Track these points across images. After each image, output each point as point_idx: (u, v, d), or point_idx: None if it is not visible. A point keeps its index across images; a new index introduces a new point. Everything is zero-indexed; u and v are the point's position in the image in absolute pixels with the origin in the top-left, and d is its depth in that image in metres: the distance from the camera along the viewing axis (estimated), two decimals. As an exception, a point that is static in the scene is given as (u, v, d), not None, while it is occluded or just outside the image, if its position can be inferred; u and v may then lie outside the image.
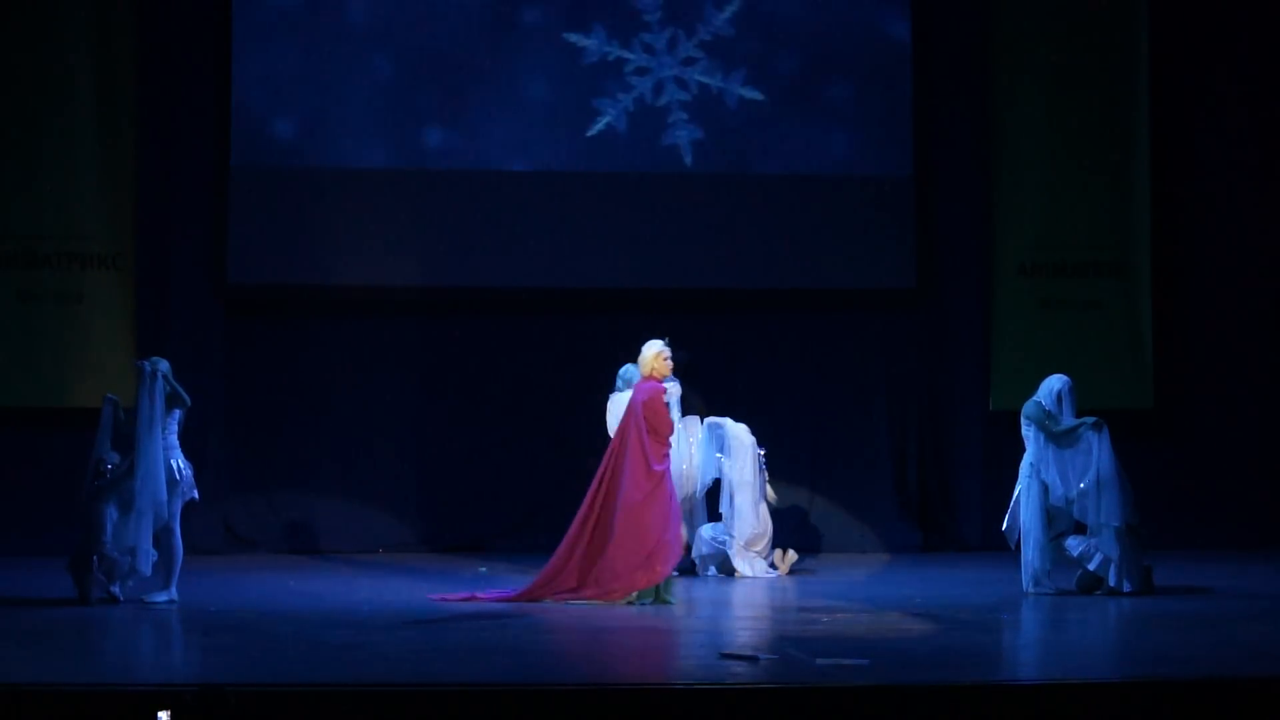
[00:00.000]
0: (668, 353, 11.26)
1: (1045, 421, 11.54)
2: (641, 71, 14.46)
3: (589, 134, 14.39)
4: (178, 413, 11.10)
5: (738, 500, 12.73)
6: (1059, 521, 11.56)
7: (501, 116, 14.37)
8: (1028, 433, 11.64)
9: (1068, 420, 11.56)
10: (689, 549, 12.68)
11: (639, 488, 10.93)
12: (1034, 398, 11.71)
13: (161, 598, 10.92)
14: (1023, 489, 11.62)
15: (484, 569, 13.16)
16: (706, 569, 12.81)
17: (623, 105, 14.41)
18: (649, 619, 10.45)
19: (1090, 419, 11.52)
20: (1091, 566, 11.41)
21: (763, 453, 12.84)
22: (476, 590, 11.36)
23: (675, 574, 11.23)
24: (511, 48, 14.38)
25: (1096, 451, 11.43)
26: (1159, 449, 14.46)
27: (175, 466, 11.04)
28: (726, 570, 12.74)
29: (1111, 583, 11.38)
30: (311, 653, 9.01)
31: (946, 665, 8.66)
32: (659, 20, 14.50)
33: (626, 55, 14.40)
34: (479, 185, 14.37)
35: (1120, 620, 10.60)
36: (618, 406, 12.71)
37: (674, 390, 12.69)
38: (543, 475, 14.40)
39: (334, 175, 14.28)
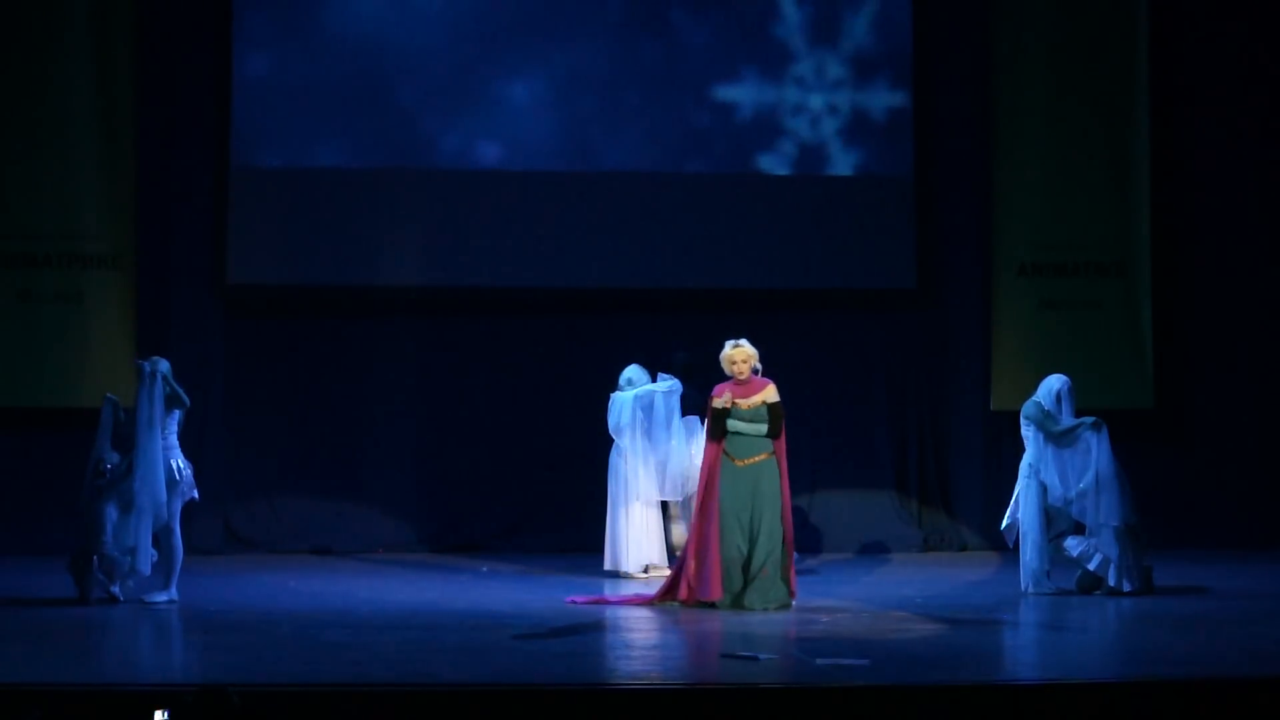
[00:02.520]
0: (736, 354, 10.93)
1: (1044, 421, 11.54)
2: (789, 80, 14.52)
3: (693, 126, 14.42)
4: (177, 413, 11.11)
5: (738, 500, 12.72)
6: (1058, 521, 11.56)
7: (504, 116, 14.36)
8: (1027, 433, 11.64)
9: (1067, 420, 11.56)
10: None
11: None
12: (1033, 398, 11.71)
13: (161, 598, 10.92)
14: (1022, 489, 11.62)
15: (484, 569, 13.17)
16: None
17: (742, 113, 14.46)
18: (649, 620, 10.45)
19: (1089, 419, 11.52)
20: (1091, 566, 11.41)
21: (763, 453, 12.82)
22: (608, 593, 11.40)
23: (757, 581, 10.80)
24: (547, 40, 14.39)
25: (1095, 452, 11.43)
26: (1159, 449, 14.45)
27: (175, 466, 11.05)
28: (726, 570, 12.74)
29: (1111, 583, 11.38)
30: (311, 653, 9.02)
31: (946, 665, 8.66)
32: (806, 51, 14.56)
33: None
34: (479, 185, 14.36)
35: (1120, 620, 10.60)
36: (618, 406, 12.72)
37: (675, 390, 12.69)
38: (543, 475, 14.40)
39: (334, 175, 14.28)
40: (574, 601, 11.10)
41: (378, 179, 14.31)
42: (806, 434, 14.53)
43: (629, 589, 11.74)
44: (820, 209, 14.53)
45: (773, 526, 10.82)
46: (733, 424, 10.87)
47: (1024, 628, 10.41)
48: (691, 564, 10.89)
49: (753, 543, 10.78)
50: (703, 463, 11.10)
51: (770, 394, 10.92)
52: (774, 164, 14.52)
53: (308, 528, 14.26)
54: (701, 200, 14.48)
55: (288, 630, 9.80)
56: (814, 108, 14.55)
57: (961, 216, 14.72)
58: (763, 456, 10.89)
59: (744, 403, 10.87)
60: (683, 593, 10.89)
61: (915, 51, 14.60)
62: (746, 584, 10.76)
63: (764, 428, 10.87)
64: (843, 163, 14.56)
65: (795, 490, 14.07)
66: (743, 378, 10.94)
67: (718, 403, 10.91)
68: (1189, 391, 14.81)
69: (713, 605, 10.75)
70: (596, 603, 11.12)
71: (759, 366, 11.00)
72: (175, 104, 14.20)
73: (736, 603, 10.73)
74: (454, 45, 14.34)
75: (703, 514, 10.91)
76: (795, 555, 12.91)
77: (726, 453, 10.90)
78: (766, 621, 10.30)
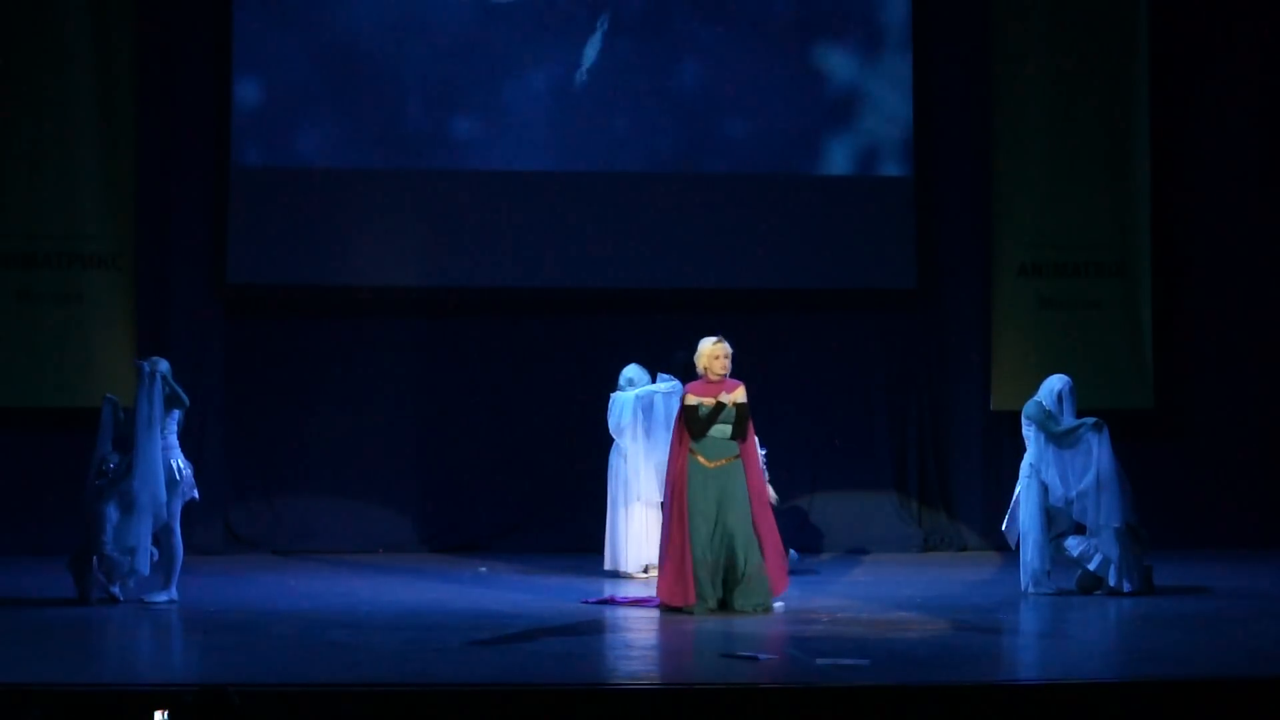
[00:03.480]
0: (719, 349, 10.76)
1: (1045, 422, 11.54)
2: None
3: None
4: (177, 413, 11.11)
5: (738, 500, 12.70)
6: (1059, 522, 11.56)
7: (503, 115, 14.36)
8: (1028, 433, 11.63)
9: (1068, 420, 11.56)
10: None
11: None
12: (1034, 398, 11.71)
13: (161, 598, 10.93)
14: (1022, 489, 11.62)
15: (484, 569, 13.17)
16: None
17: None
18: (649, 620, 10.44)
19: (1090, 419, 11.51)
20: (1091, 567, 11.42)
21: (763, 453, 12.78)
22: (615, 594, 11.33)
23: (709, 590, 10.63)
24: (529, 42, 14.38)
25: (1096, 452, 11.43)
26: (1159, 449, 14.45)
27: (175, 466, 11.05)
28: (726, 570, 12.72)
29: (1111, 583, 11.38)
30: (311, 653, 9.02)
31: (946, 665, 8.66)
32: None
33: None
34: (479, 185, 14.36)
35: (1120, 620, 10.60)
36: (619, 406, 12.72)
37: (675, 391, 12.68)
38: (542, 475, 14.41)
39: (334, 175, 14.27)
40: (587, 603, 11.06)
41: (377, 179, 14.30)
42: (806, 434, 14.55)
43: (630, 589, 11.73)
44: (820, 209, 14.53)
45: (746, 530, 10.64)
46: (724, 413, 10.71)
47: (1024, 628, 10.41)
48: (664, 569, 10.71)
49: (729, 547, 10.59)
50: (671, 464, 10.90)
51: (740, 395, 10.74)
52: (774, 164, 14.51)
53: (308, 528, 14.26)
54: (702, 200, 14.47)
55: (288, 630, 9.80)
56: (814, 109, 14.54)
57: (961, 216, 14.72)
58: (731, 459, 10.72)
59: (714, 402, 10.68)
60: (659, 597, 10.74)
61: (915, 51, 14.59)
62: (733, 586, 10.60)
63: (729, 429, 10.71)
64: (843, 163, 14.56)
65: (795, 491, 14.16)
66: (717, 377, 10.79)
67: (691, 400, 10.72)
68: (1189, 391, 14.81)
69: (685, 610, 10.52)
70: (609, 603, 11.06)
71: (730, 366, 10.87)
72: (175, 104, 14.19)
73: (723, 606, 10.56)
74: (454, 45, 14.34)
75: (673, 517, 10.72)
76: (793, 554, 12.95)
77: (694, 453, 10.71)
78: (766, 622, 10.29)
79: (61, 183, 13.85)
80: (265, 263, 14.23)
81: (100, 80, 13.91)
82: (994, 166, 14.60)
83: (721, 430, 10.74)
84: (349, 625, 9.96)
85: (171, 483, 10.98)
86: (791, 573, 12.70)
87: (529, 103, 14.37)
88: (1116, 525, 11.35)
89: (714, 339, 10.91)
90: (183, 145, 14.22)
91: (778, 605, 10.76)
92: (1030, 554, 11.49)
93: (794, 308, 14.69)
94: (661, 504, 12.66)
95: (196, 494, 11.31)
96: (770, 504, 12.72)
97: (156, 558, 10.95)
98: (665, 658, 9.30)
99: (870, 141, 14.56)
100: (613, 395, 12.79)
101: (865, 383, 14.78)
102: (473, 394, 14.50)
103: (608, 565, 12.65)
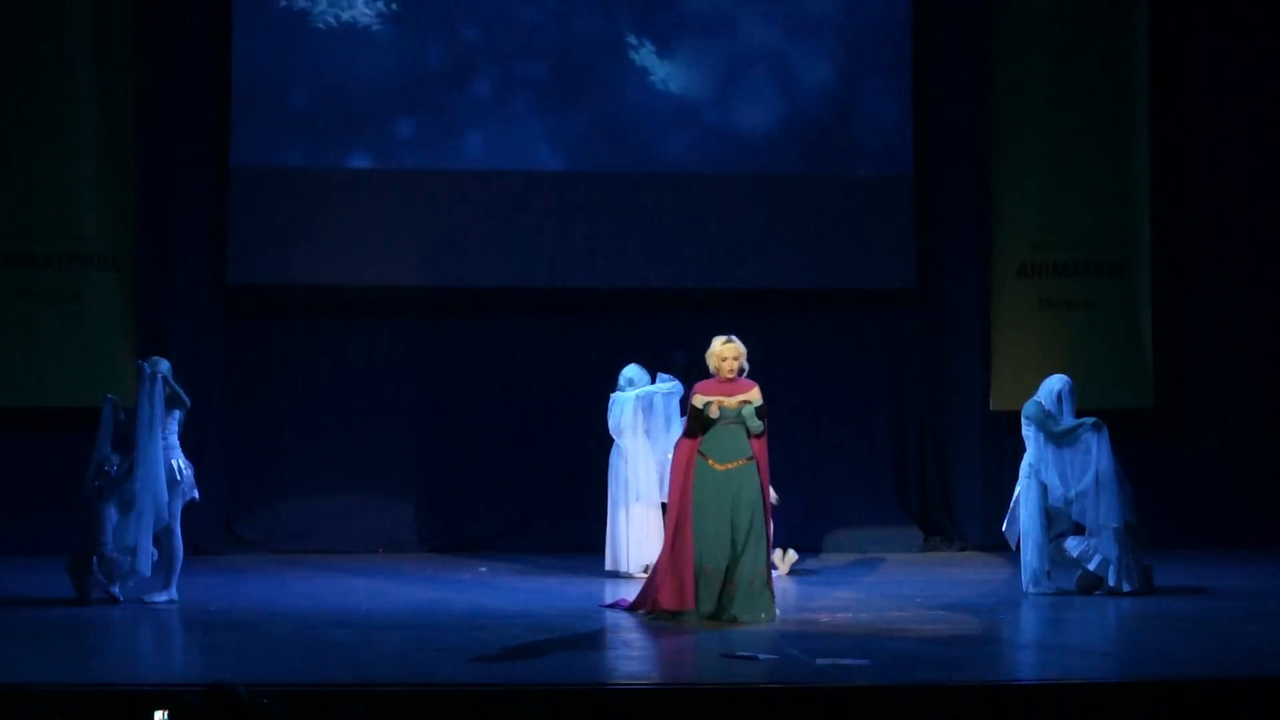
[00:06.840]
0: (727, 350, 10.42)
1: (1045, 422, 11.54)
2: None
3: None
4: (177, 413, 11.11)
5: (738, 500, 12.69)
6: (1059, 522, 11.56)
7: (502, 116, 14.36)
8: (1028, 433, 11.64)
9: (1067, 420, 11.56)
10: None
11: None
12: (1034, 398, 11.72)
13: (161, 598, 10.93)
14: (1022, 489, 11.62)
15: (484, 569, 13.17)
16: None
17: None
18: (649, 620, 10.43)
19: (1090, 419, 11.52)
20: (1091, 567, 11.42)
21: (763, 453, 12.76)
22: (626, 598, 11.07)
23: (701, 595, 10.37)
24: (520, 42, 14.38)
25: (1096, 452, 11.43)
26: (1159, 449, 14.45)
27: (175, 466, 11.05)
28: (726, 570, 12.71)
29: (1111, 583, 11.39)
30: (311, 653, 9.02)
31: (946, 665, 8.66)
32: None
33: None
34: (478, 185, 14.36)
35: (1120, 620, 10.60)
36: (619, 406, 12.72)
37: (675, 391, 12.68)
38: (542, 475, 14.41)
39: (334, 175, 14.28)
40: (604, 606, 11.02)
41: (377, 179, 14.30)
42: (806, 434, 14.56)
43: (632, 589, 11.71)
44: (820, 209, 14.53)
45: (759, 537, 10.32)
46: (731, 413, 10.33)
47: (1024, 628, 10.41)
48: (664, 573, 10.40)
49: (737, 553, 10.27)
50: (675, 463, 10.55)
51: (756, 395, 10.40)
52: (774, 164, 14.52)
53: (308, 528, 14.26)
54: (702, 201, 14.48)
55: (288, 630, 9.80)
56: (814, 109, 14.54)
57: (961, 216, 14.72)
58: (743, 461, 10.37)
59: (729, 401, 10.38)
60: (654, 603, 10.43)
61: (915, 51, 14.59)
62: (732, 595, 10.27)
63: (760, 425, 10.35)
64: (843, 163, 14.56)
65: (795, 491, 14.14)
66: (729, 376, 10.46)
67: (698, 400, 10.37)
68: (1189, 391, 14.81)
69: (677, 616, 10.28)
70: (620, 606, 10.97)
71: (746, 366, 10.54)
72: (175, 104, 14.19)
73: (720, 614, 10.27)
74: (454, 45, 14.34)
75: (676, 520, 10.38)
76: (793, 554, 12.96)
77: (703, 454, 10.37)
78: (766, 621, 10.27)
79: (61, 183, 13.85)
80: (265, 263, 14.23)
81: (100, 81, 13.90)
82: (994, 166, 14.60)
83: (749, 427, 10.37)
84: (349, 625, 9.97)
85: (172, 483, 10.98)
86: (791, 573, 12.75)
87: (529, 103, 14.37)
88: (1116, 525, 11.36)
89: (724, 338, 10.55)
90: (183, 146, 14.23)
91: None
92: (1030, 554, 11.49)
93: (794, 308, 14.69)
94: (663, 504, 12.69)
95: (197, 494, 11.31)
96: (772, 505, 12.75)
97: (156, 558, 10.95)
98: (665, 658, 9.30)
99: (870, 141, 14.57)
100: (613, 395, 12.79)
101: (865, 383, 14.79)
102: (473, 394, 14.50)
103: (608, 565, 12.64)
